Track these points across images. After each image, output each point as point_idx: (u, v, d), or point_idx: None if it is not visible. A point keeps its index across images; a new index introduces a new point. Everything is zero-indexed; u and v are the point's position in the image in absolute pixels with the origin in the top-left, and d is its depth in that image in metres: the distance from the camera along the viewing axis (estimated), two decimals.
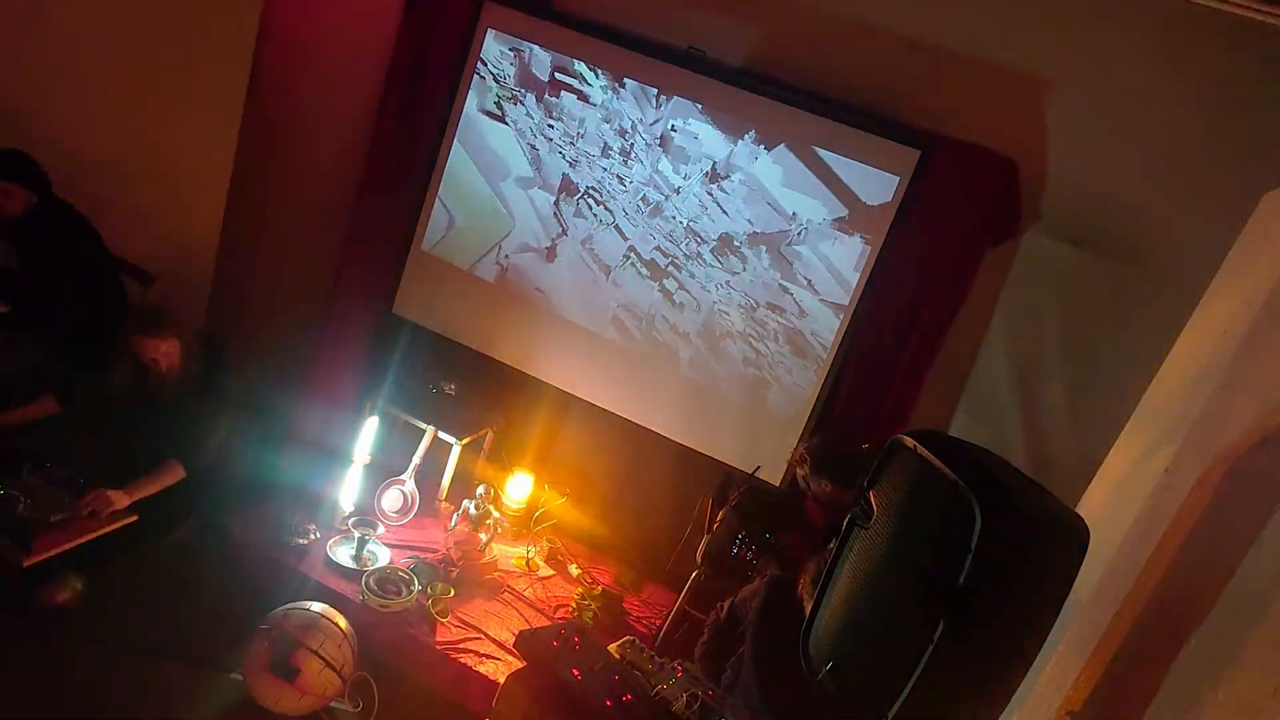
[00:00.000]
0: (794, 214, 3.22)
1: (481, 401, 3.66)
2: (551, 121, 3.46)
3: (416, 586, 2.87)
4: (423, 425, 3.42)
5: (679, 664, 2.34)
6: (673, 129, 3.32)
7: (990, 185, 2.97)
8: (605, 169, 3.42)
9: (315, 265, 3.86)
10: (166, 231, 3.65)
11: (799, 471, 2.84)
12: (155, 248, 3.53)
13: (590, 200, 3.47)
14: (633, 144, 3.37)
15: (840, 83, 3.14)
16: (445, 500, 3.51)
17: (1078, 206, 2.96)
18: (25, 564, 2.32)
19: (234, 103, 3.52)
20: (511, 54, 3.46)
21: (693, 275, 3.39)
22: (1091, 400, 3.00)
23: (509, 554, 3.34)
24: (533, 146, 3.50)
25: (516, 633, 2.45)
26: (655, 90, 3.31)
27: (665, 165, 3.35)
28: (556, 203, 3.51)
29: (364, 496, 3.27)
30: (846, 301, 3.20)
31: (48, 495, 2.48)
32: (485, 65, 3.50)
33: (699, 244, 3.36)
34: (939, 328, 3.13)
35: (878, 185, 3.11)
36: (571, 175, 3.47)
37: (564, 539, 3.54)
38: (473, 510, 3.24)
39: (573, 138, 3.44)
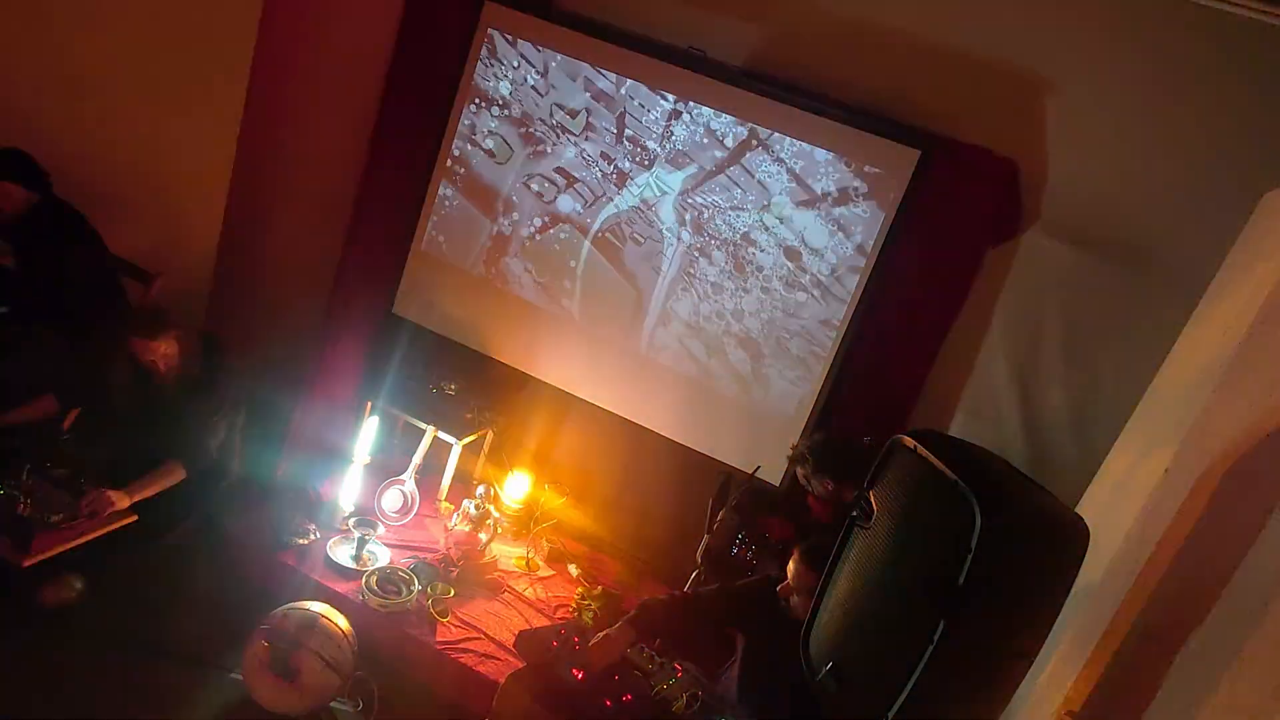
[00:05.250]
0: (793, 215, 3.22)
1: (481, 401, 3.66)
2: (551, 119, 3.46)
3: (416, 586, 2.87)
4: (423, 425, 3.42)
5: (679, 664, 2.35)
6: (673, 129, 3.32)
7: (990, 185, 2.97)
8: (604, 168, 3.42)
9: (315, 265, 3.86)
10: (166, 231, 3.65)
11: (799, 470, 2.82)
12: (155, 248, 3.53)
13: (590, 199, 3.47)
14: (633, 143, 3.37)
15: (840, 83, 3.14)
16: (445, 500, 3.51)
17: (1078, 206, 2.96)
18: (25, 564, 2.32)
19: (234, 103, 3.52)
20: (512, 52, 3.46)
21: (691, 274, 3.38)
22: (1091, 400, 3.00)
23: (509, 554, 3.34)
24: (533, 143, 3.50)
25: (516, 633, 2.46)
26: (656, 90, 3.30)
27: (664, 165, 3.35)
28: (555, 201, 3.51)
29: (364, 496, 3.27)
30: (846, 301, 3.20)
31: (48, 495, 2.48)
32: (488, 63, 3.50)
33: (698, 244, 3.35)
34: (939, 328, 3.13)
35: (877, 185, 3.11)
36: (572, 173, 3.47)
37: (564, 539, 3.54)
38: (473, 510, 3.24)
39: (573, 136, 3.44)
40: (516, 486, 3.52)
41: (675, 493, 3.56)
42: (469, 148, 3.59)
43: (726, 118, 3.23)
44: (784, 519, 2.91)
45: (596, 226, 3.49)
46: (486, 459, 3.74)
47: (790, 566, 2.21)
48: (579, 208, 3.49)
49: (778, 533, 2.91)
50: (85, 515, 2.48)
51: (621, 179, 3.41)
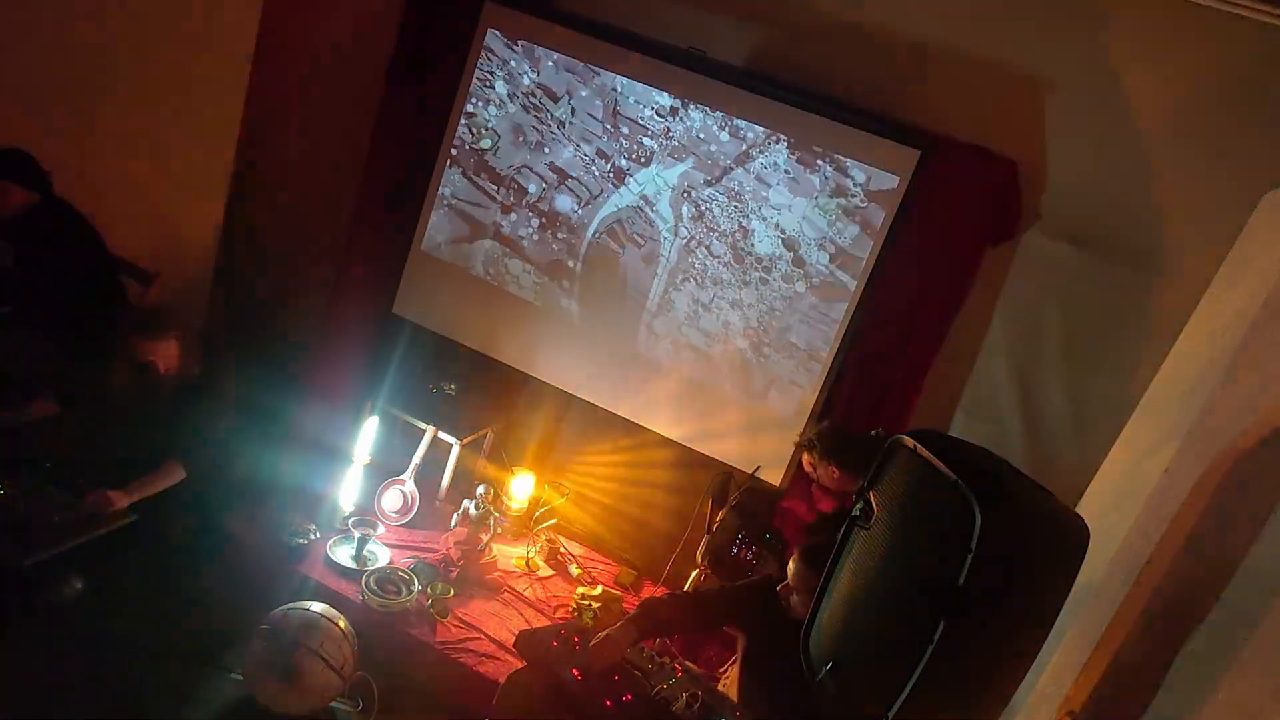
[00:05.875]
0: (793, 214, 3.22)
1: (481, 401, 3.66)
2: (549, 118, 3.46)
3: (416, 586, 2.87)
4: (423, 425, 3.42)
5: (679, 664, 2.35)
6: (671, 127, 3.31)
7: (990, 185, 2.97)
8: (602, 166, 3.42)
9: (315, 265, 3.86)
10: (166, 231, 3.65)
11: (805, 457, 2.81)
12: (155, 248, 3.53)
13: (588, 198, 3.47)
14: (630, 141, 3.37)
15: (840, 83, 3.14)
16: (445, 500, 3.51)
17: (1078, 206, 2.96)
18: (25, 564, 2.32)
19: (234, 103, 3.52)
20: (511, 52, 3.46)
21: (692, 275, 3.38)
22: (1091, 400, 3.00)
23: (509, 554, 3.34)
24: (531, 143, 3.50)
25: (516, 633, 2.45)
26: (655, 88, 3.30)
27: (663, 163, 3.35)
28: (554, 201, 3.51)
29: (364, 496, 3.27)
30: (846, 301, 3.20)
31: (48, 495, 2.48)
32: (487, 62, 3.50)
33: (698, 244, 3.35)
34: (939, 328, 3.13)
35: (877, 185, 3.11)
36: (570, 172, 3.47)
37: (564, 539, 3.54)
38: (473, 510, 3.24)
39: (571, 135, 3.44)
40: (517, 486, 3.51)
41: (675, 493, 3.56)
42: (468, 148, 3.59)
43: (726, 116, 3.23)
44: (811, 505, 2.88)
45: (594, 225, 3.49)
46: (487, 459, 3.74)
47: (790, 566, 2.21)
48: (577, 207, 3.49)
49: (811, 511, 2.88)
50: (85, 515, 2.48)
51: (619, 177, 3.41)
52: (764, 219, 3.25)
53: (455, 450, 3.43)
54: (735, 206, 3.28)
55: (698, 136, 3.28)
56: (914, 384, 3.19)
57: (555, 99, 3.44)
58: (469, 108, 3.55)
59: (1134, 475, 2.35)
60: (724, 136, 3.25)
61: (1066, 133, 2.93)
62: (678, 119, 3.30)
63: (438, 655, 2.72)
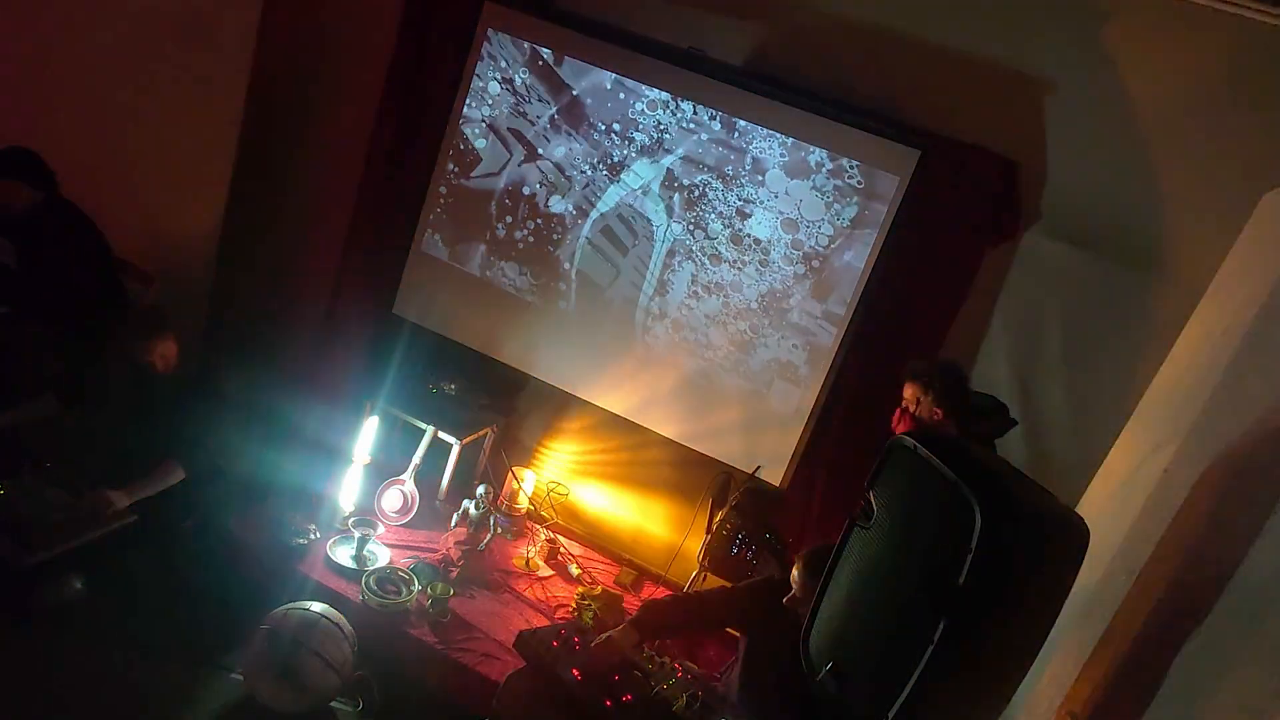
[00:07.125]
0: (793, 214, 3.22)
1: (481, 401, 3.66)
2: (547, 118, 3.46)
3: (416, 586, 2.87)
4: (423, 425, 3.42)
5: (679, 664, 2.35)
6: (668, 127, 3.31)
7: (990, 185, 2.97)
8: (599, 166, 3.42)
9: (315, 265, 3.86)
10: (166, 231, 3.65)
11: (909, 387, 2.57)
12: (155, 248, 3.53)
13: (584, 197, 3.47)
14: (627, 139, 3.37)
15: (840, 83, 3.14)
16: (445, 500, 3.51)
17: (1078, 206, 2.96)
18: (25, 564, 2.32)
19: (234, 102, 3.52)
20: (510, 52, 3.46)
21: (692, 275, 3.38)
22: (1091, 400, 3.00)
23: (509, 554, 3.34)
24: (529, 142, 3.50)
25: (516, 633, 2.46)
26: (654, 88, 3.30)
27: (660, 162, 3.35)
28: (550, 201, 3.51)
29: (364, 496, 3.27)
30: (846, 301, 3.20)
31: (48, 495, 2.48)
32: (486, 62, 3.50)
33: (698, 244, 3.35)
34: (939, 328, 3.13)
35: (877, 185, 3.11)
36: (566, 171, 3.47)
37: (564, 539, 3.54)
38: (473, 510, 3.24)
39: (568, 134, 3.44)
40: (517, 485, 3.51)
41: (675, 493, 3.56)
42: (467, 148, 3.59)
43: (724, 116, 3.23)
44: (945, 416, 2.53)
45: (589, 224, 3.48)
46: (487, 459, 3.74)
47: (794, 574, 2.21)
48: (571, 205, 3.49)
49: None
50: (85, 515, 2.48)
51: (614, 172, 3.41)
52: (761, 204, 3.25)
53: (455, 450, 3.43)
54: (733, 192, 3.27)
55: (690, 127, 3.28)
56: None
57: (552, 97, 3.44)
58: (467, 107, 3.55)
59: (1134, 475, 2.35)
60: (716, 126, 3.24)
61: (1066, 133, 2.93)
62: (669, 111, 3.29)
63: (438, 655, 2.71)
